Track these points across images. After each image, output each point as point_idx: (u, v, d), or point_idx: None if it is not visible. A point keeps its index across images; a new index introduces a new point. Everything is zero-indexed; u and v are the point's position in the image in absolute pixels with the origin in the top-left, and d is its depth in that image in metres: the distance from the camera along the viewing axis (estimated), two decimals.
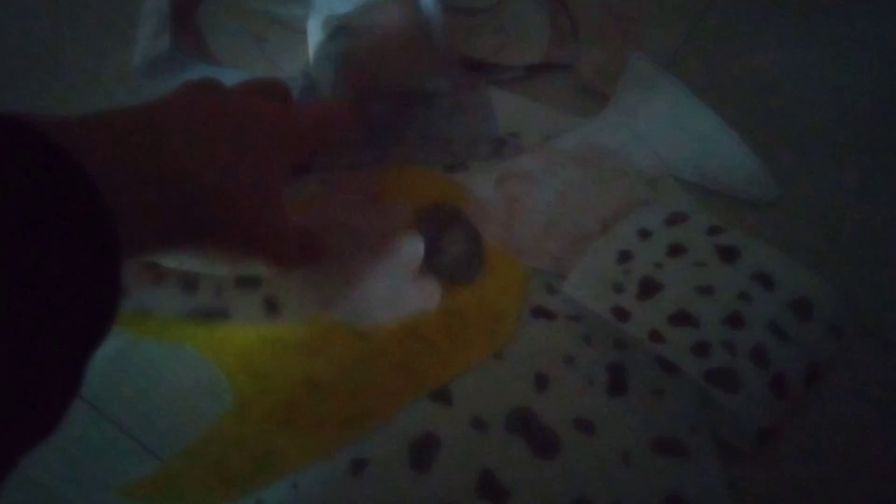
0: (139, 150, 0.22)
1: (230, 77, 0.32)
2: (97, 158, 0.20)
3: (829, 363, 0.29)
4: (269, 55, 0.38)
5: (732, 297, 0.29)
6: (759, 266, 0.30)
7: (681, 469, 0.27)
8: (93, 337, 0.19)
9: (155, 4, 0.39)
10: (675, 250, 0.31)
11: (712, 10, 0.43)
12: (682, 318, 0.29)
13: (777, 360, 0.28)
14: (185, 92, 0.27)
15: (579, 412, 0.28)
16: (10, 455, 0.17)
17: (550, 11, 0.41)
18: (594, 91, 0.38)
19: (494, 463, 0.27)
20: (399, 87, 0.36)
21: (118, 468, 0.26)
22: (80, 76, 0.38)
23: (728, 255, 0.31)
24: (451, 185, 0.34)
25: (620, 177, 0.34)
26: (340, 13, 0.35)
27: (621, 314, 0.29)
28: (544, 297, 0.31)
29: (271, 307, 0.29)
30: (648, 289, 0.30)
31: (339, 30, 0.35)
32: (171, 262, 0.27)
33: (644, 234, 0.32)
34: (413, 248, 0.30)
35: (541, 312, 0.31)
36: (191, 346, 0.28)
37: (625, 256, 0.31)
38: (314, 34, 0.36)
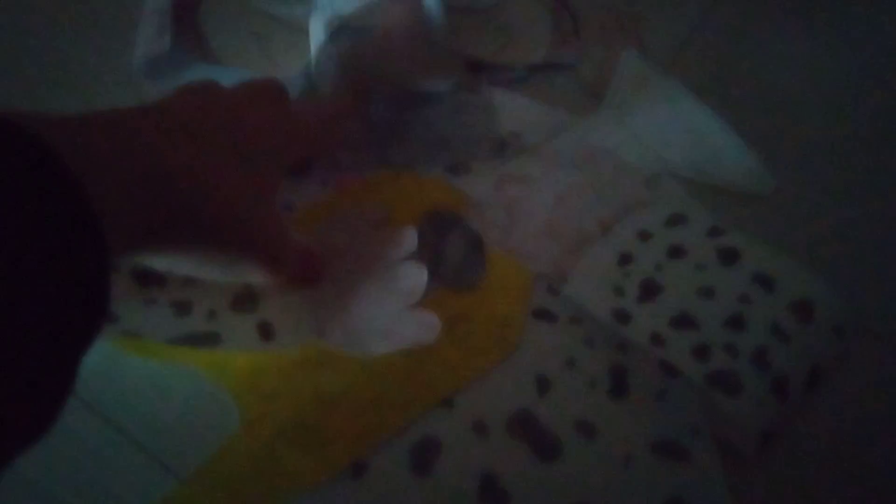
0: (133, 151, 0.22)
1: (231, 76, 0.32)
2: (90, 157, 0.20)
3: (832, 365, 0.29)
4: (271, 54, 0.38)
5: (733, 299, 0.29)
6: (760, 267, 0.30)
7: (682, 472, 0.27)
8: (84, 335, 0.19)
9: (156, 4, 0.39)
10: (676, 252, 0.31)
11: (715, 10, 0.43)
12: (682, 321, 0.29)
13: (778, 362, 0.28)
14: (182, 94, 0.27)
15: (581, 415, 0.28)
16: (4, 455, 0.17)
17: (552, 11, 0.41)
18: (596, 91, 0.38)
19: (496, 466, 0.27)
20: (400, 88, 0.36)
21: (129, 480, 0.26)
22: (81, 76, 0.38)
23: (728, 256, 0.31)
24: (451, 191, 0.34)
25: (618, 177, 0.34)
26: (343, 13, 0.35)
27: (622, 317, 0.29)
28: (546, 299, 0.31)
29: (265, 333, 0.28)
30: (649, 291, 0.30)
31: (341, 30, 0.35)
32: (163, 264, 0.26)
33: (644, 235, 0.32)
34: (415, 278, 0.29)
35: (542, 314, 0.30)
36: (193, 366, 0.28)
37: (625, 258, 0.31)
38: (316, 34, 0.36)
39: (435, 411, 0.28)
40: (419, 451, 0.27)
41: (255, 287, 0.29)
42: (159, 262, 0.26)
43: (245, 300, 0.29)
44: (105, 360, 0.28)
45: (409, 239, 0.30)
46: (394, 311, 0.29)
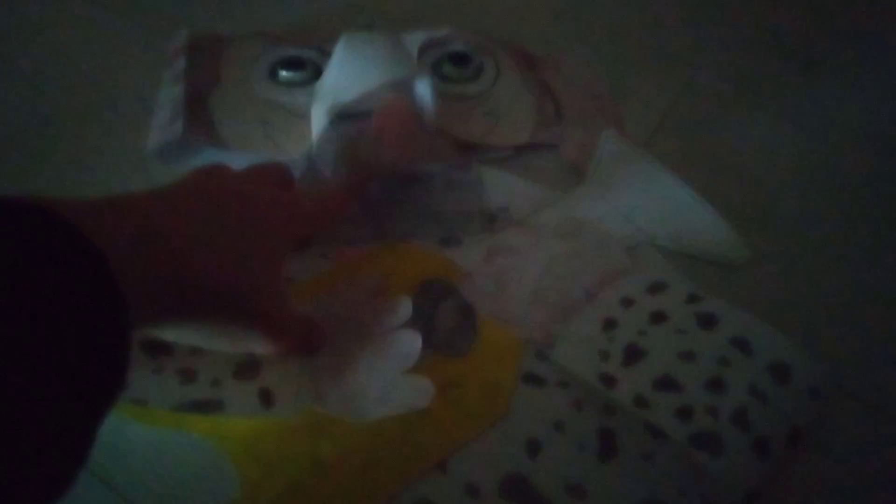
0: (149, 232, 0.24)
1: (238, 160, 0.35)
2: (111, 238, 0.22)
3: (811, 426, 0.30)
4: (276, 139, 0.41)
5: (713, 362, 0.31)
6: (737, 332, 0.32)
7: None
8: (102, 405, 0.20)
9: (170, 93, 0.42)
10: (657, 318, 0.33)
11: (688, 94, 0.47)
12: (665, 384, 0.30)
13: (759, 422, 0.29)
14: (194, 176, 0.29)
15: (571, 477, 0.29)
16: None
17: (536, 96, 0.44)
18: (577, 168, 0.41)
19: None
20: (396, 169, 0.39)
21: None
22: (97, 160, 0.41)
23: (707, 321, 0.32)
24: (443, 261, 0.36)
25: (602, 247, 0.36)
26: (342, 101, 0.38)
27: (608, 380, 0.30)
28: (534, 364, 0.32)
29: (266, 399, 0.29)
30: (633, 355, 0.31)
31: (340, 116, 0.38)
32: (172, 335, 0.28)
33: (627, 302, 0.33)
34: (409, 344, 0.30)
35: (531, 379, 0.32)
36: (194, 433, 0.29)
37: (609, 324, 0.33)
38: (318, 120, 0.39)
39: (429, 475, 0.28)
40: None
41: (257, 356, 0.30)
42: (169, 333, 0.28)
43: (247, 368, 0.30)
44: (111, 427, 0.29)
45: (404, 308, 0.32)
46: (389, 376, 0.30)
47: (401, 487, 0.28)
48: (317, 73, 0.43)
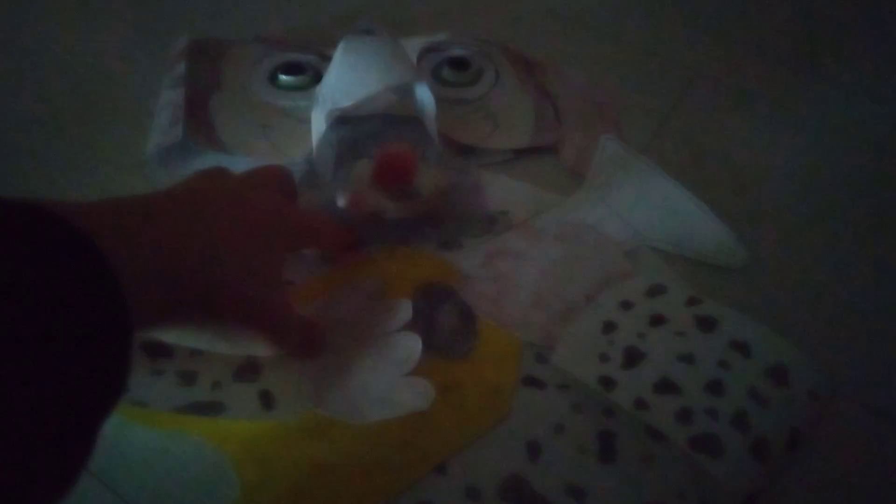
0: (151, 234, 0.24)
1: (238, 164, 0.35)
2: (113, 241, 0.22)
3: (810, 428, 0.31)
4: (275, 143, 0.41)
5: (712, 364, 0.31)
6: (737, 335, 0.32)
7: None
8: (105, 406, 0.20)
9: (170, 97, 0.42)
10: (657, 321, 0.33)
11: (685, 98, 0.47)
12: (665, 386, 0.30)
13: (757, 425, 0.29)
14: (195, 179, 0.30)
15: (571, 479, 0.29)
16: None
17: (535, 100, 0.45)
18: (577, 172, 0.41)
19: None
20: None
21: None
22: (97, 164, 0.41)
23: (706, 324, 0.32)
24: (443, 265, 0.36)
25: (601, 251, 0.37)
26: (342, 105, 0.38)
27: (608, 383, 0.30)
28: (534, 367, 0.32)
29: (267, 401, 0.29)
30: (632, 358, 0.31)
31: (340, 120, 0.38)
32: (173, 337, 0.28)
33: (626, 305, 0.34)
34: (410, 347, 0.31)
35: (531, 382, 0.32)
36: (195, 435, 0.29)
37: (609, 327, 0.33)
38: (317, 124, 0.39)
39: (428, 477, 0.28)
40: None
41: (257, 358, 0.30)
42: (170, 336, 0.28)
43: (247, 370, 0.30)
44: (111, 429, 0.29)
45: (404, 311, 0.32)
46: (389, 379, 0.30)
47: (401, 490, 0.28)
48: (317, 77, 0.43)
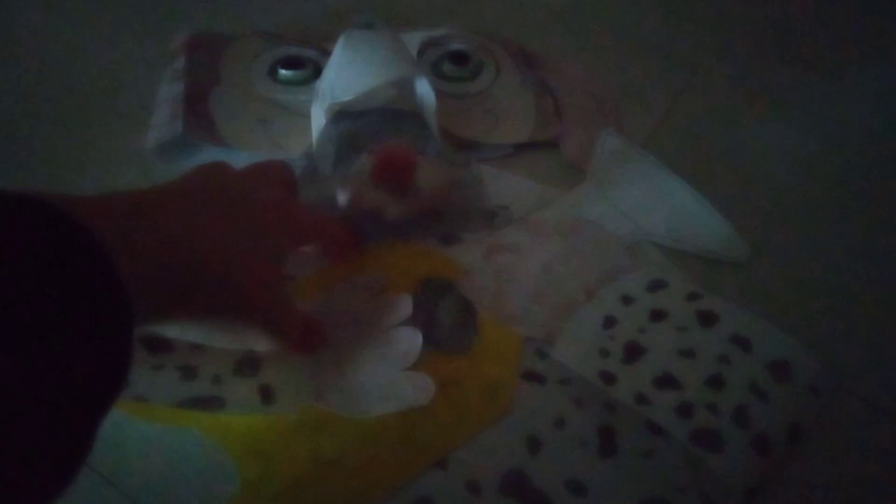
0: (152, 228, 0.24)
1: (238, 158, 0.35)
2: (114, 235, 0.21)
3: (812, 423, 0.30)
4: (275, 138, 0.41)
5: (713, 359, 0.31)
6: (737, 329, 0.32)
7: None
8: (104, 402, 0.20)
9: (170, 91, 0.42)
10: (657, 315, 0.33)
11: (686, 93, 0.47)
12: (666, 381, 0.30)
13: (758, 419, 0.29)
14: (195, 174, 0.29)
15: (571, 474, 0.29)
16: None
17: (536, 95, 0.44)
18: (577, 167, 0.41)
19: None
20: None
21: None
22: (97, 158, 0.41)
23: (707, 319, 0.32)
24: (443, 259, 0.36)
25: (601, 246, 0.37)
26: (342, 100, 0.38)
27: (608, 378, 0.30)
28: (535, 362, 0.32)
29: (266, 396, 0.29)
30: (633, 353, 0.31)
31: (340, 115, 0.38)
32: (174, 332, 0.28)
33: (627, 300, 0.34)
34: (410, 342, 0.31)
35: (532, 376, 0.32)
36: (195, 429, 0.29)
37: (609, 322, 0.33)
38: (317, 118, 0.39)
39: (429, 472, 0.28)
40: None
41: (257, 353, 0.30)
42: (171, 330, 0.28)
43: (247, 365, 0.30)
44: (111, 423, 0.29)
45: (405, 305, 0.32)
46: (389, 373, 0.30)
47: (401, 484, 0.28)
48: (316, 71, 0.43)
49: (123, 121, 0.42)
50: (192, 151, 0.40)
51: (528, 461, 0.29)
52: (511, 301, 0.34)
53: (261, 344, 0.29)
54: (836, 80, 0.48)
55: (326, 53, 0.42)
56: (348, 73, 0.38)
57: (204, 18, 0.49)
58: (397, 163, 0.35)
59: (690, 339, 0.32)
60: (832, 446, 0.30)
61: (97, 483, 0.28)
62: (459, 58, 0.45)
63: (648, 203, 0.39)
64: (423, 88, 0.39)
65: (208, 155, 0.39)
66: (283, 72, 0.44)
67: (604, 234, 0.37)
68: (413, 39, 0.44)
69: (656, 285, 0.34)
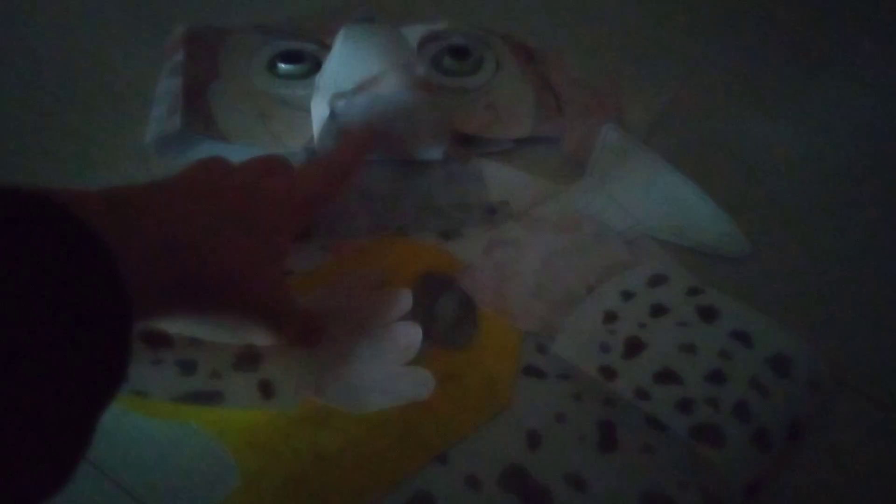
0: (151, 224, 0.24)
1: (237, 153, 0.35)
2: (114, 230, 0.21)
3: (813, 418, 0.30)
4: (274, 132, 0.41)
5: (713, 354, 0.31)
6: (738, 324, 0.32)
7: None
8: (105, 396, 0.20)
9: (168, 86, 0.42)
10: (658, 310, 0.33)
11: (687, 88, 0.47)
12: (666, 376, 0.30)
13: (759, 414, 0.29)
14: (193, 169, 0.29)
15: (571, 469, 0.29)
16: None
17: (536, 89, 0.44)
18: (578, 162, 0.41)
19: None
20: (396, 155, 0.39)
21: None
22: (96, 153, 0.41)
23: (707, 314, 0.32)
24: (443, 254, 0.36)
25: (601, 241, 0.36)
26: (345, 89, 0.37)
27: (608, 372, 0.30)
28: (535, 357, 0.32)
29: (266, 391, 0.29)
30: (633, 348, 0.31)
31: (345, 103, 0.37)
32: (173, 326, 0.28)
33: (627, 295, 0.33)
34: (410, 337, 0.30)
35: (532, 371, 0.32)
36: (194, 423, 0.29)
37: (610, 317, 0.33)
38: (317, 112, 0.39)
39: (429, 467, 0.28)
40: None
41: (256, 347, 0.30)
42: (170, 325, 0.28)
43: (247, 360, 0.30)
44: (110, 418, 0.29)
45: (404, 300, 0.32)
46: (389, 368, 0.30)
47: (401, 479, 0.28)
48: (316, 66, 0.43)
49: (123, 115, 0.42)
50: (192, 146, 0.40)
51: (528, 456, 0.29)
52: (511, 296, 0.34)
53: (260, 338, 0.29)
54: (839, 75, 0.48)
55: (326, 48, 0.42)
56: (348, 67, 0.38)
57: (204, 13, 0.49)
58: None
59: (691, 334, 0.31)
60: (833, 442, 0.30)
61: (96, 478, 0.28)
62: (460, 52, 0.45)
63: (649, 198, 0.39)
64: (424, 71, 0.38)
65: (207, 149, 0.39)
66: (282, 66, 0.43)
67: (604, 229, 0.37)
68: (413, 33, 0.44)
69: (657, 280, 0.34)
